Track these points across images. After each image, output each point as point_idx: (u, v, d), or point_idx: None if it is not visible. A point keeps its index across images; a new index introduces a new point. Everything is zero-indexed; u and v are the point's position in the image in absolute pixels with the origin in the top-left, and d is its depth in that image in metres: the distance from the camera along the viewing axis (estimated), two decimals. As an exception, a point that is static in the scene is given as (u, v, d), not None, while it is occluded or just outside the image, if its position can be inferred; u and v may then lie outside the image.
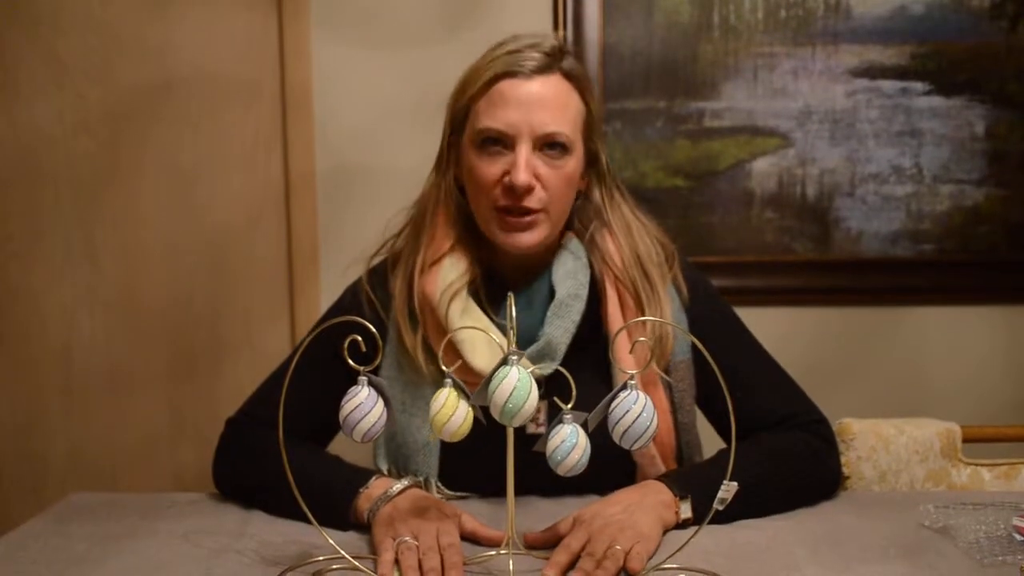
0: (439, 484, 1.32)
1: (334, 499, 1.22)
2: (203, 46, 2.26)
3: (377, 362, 1.03)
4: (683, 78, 2.24)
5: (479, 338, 1.26)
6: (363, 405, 1.01)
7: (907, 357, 2.31)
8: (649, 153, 2.25)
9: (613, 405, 1.00)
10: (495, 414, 1.00)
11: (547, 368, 1.27)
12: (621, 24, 2.22)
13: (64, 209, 2.28)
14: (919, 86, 2.24)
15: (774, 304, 2.26)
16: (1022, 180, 2.27)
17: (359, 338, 1.03)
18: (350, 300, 1.43)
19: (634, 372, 1.01)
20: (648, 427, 1.00)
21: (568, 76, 1.30)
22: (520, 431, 1.27)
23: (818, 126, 2.25)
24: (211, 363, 2.32)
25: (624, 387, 1.01)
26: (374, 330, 1.02)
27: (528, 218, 1.27)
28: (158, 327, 2.31)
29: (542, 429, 1.30)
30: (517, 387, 0.97)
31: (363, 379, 1.02)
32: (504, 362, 0.99)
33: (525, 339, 1.29)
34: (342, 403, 1.02)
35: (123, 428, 2.33)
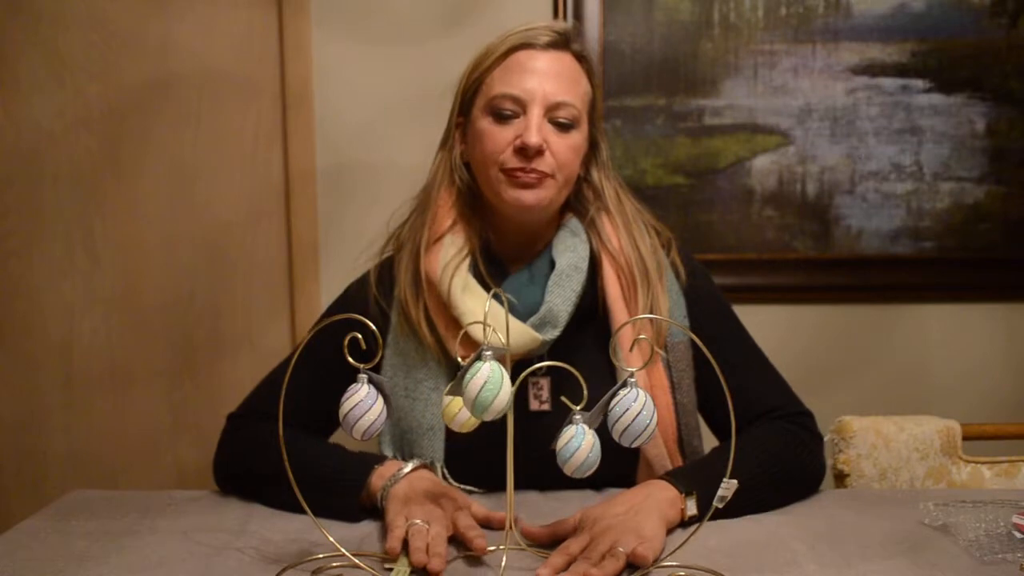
0: (444, 470, 1.33)
1: (346, 481, 1.23)
2: (203, 43, 2.26)
3: (377, 359, 1.03)
4: (683, 75, 2.24)
5: (480, 309, 1.29)
6: (363, 403, 1.01)
7: (907, 355, 2.31)
8: (649, 150, 2.25)
9: (613, 403, 1.00)
10: (468, 408, 1.00)
11: (549, 334, 1.30)
12: (621, 21, 2.22)
13: (64, 206, 2.28)
14: (919, 83, 2.24)
15: (774, 302, 2.26)
16: (1022, 177, 2.27)
17: (359, 335, 1.03)
18: (356, 291, 1.46)
19: (634, 370, 1.01)
20: (648, 425, 0.99)
21: (578, 57, 1.37)
22: (523, 409, 1.31)
23: (818, 124, 2.25)
24: (211, 360, 2.32)
25: (624, 385, 1.01)
26: (374, 328, 1.02)
27: (536, 175, 1.30)
28: (158, 324, 2.31)
29: (545, 407, 1.32)
30: (488, 380, 0.97)
31: (363, 376, 1.02)
32: (478, 357, 0.99)
33: (528, 313, 1.32)
34: (342, 401, 1.02)
35: (123, 425, 2.33)
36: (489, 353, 0.99)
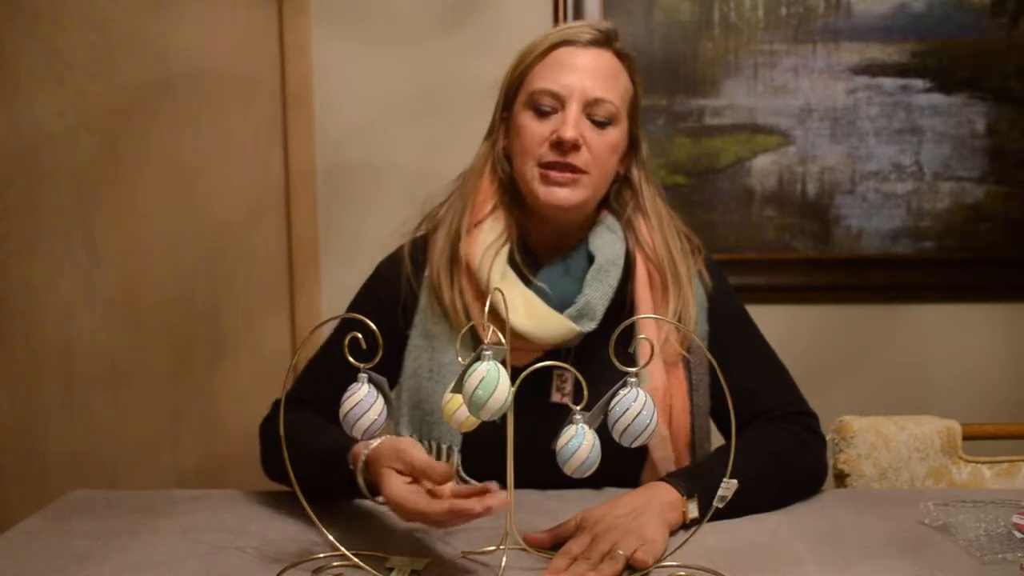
0: (459, 468, 1.33)
1: (338, 454, 1.21)
2: (203, 43, 2.26)
3: (377, 359, 1.02)
4: (684, 75, 2.24)
5: (517, 297, 1.31)
6: (363, 402, 1.01)
7: (907, 355, 2.31)
8: (649, 150, 2.24)
9: (613, 403, 1.00)
10: (465, 406, 1.00)
11: (587, 326, 1.31)
12: (622, 21, 2.22)
13: (64, 206, 2.28)
14: (920, 83, 2.24)
15: (775, 302, 2.26)
16: (1022, 177, 2.27)
17: (359, 335, 1.02)
18: (387, 269, 1.45)
19: (634, 370, 1.01)
20: (648, 424, 0.99)
21: (620, 56, 1.39)
22: (544, 400, 1.32)
23: (818, 124, 2.25)
24: (211, 360, 2.32)
25: (624, 385, 1.01)
26: (374, 327, 1.02)
27: (570, 175, 1.32)
28: (158, 324, 2.31)
29: (567, 399, 1.33)
30: (485, 379, 0.97)
31: (363, 376, 1.02)
32: (477, 357, 0.99)
33: (562, 304, 1.33)
34: (342, 401, 1.02)
35: (123, 425, 2.33)
36: (489, 352, 0.99)
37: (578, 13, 2.20)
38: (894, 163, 2.26)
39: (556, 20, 2.21)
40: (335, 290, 2.27)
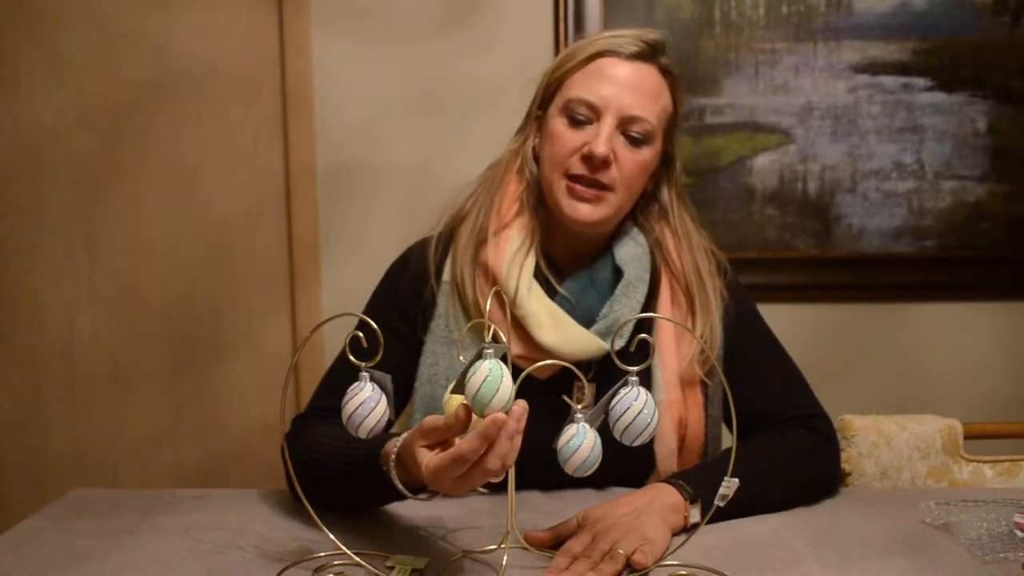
0: None
1: (372, 456, 1.15)
2: (204, 42, 2.26)
3: (378, 358, 1.01)
4: (684, 74, 2.19)
5: (543, 313, 1.30)
6: (367, 402, 1.00)
7: (908, 353, 2.31)
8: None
9: (614, 402, 1.00)
10: (469, 403, 0.99)
11: (616, 344, 1.29)
12: (622, 20, 2.22)
13: (65, 205, 2.28)
14: (921, 82, 2.24)
15: (775, 301, 2.24)
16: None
17: (360, 334, 1.02)
18: (408, 266, 1.42)
19: (635, 369, 1.01)
20: (649, 423, 0.99)
21: (664, 72, 1.35)
22: (564, 410, 1.29)
23: (820, 122, 2.25)
24: (212, 359, 2.32)
25: (624, 384, 1.00)
26: (375, 326, 1.02)
27: (596, 191, 1.29)
28: (159, 323, 2.31)
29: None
30: (488, 378, 0.97)
31: (364, 375, 1.01)
32: (479, 355, 0.99)
33: (585, 317, 1.32)
34: (345, 402, 1.01)
35: (124, 424, 2.33)
36: (490, 351, 0.99)
37: (579, 13, 2.20)
38: (895, 162, 2.26)
39: (556, 20, 2.21)
40: (335, 290, 2.27)
